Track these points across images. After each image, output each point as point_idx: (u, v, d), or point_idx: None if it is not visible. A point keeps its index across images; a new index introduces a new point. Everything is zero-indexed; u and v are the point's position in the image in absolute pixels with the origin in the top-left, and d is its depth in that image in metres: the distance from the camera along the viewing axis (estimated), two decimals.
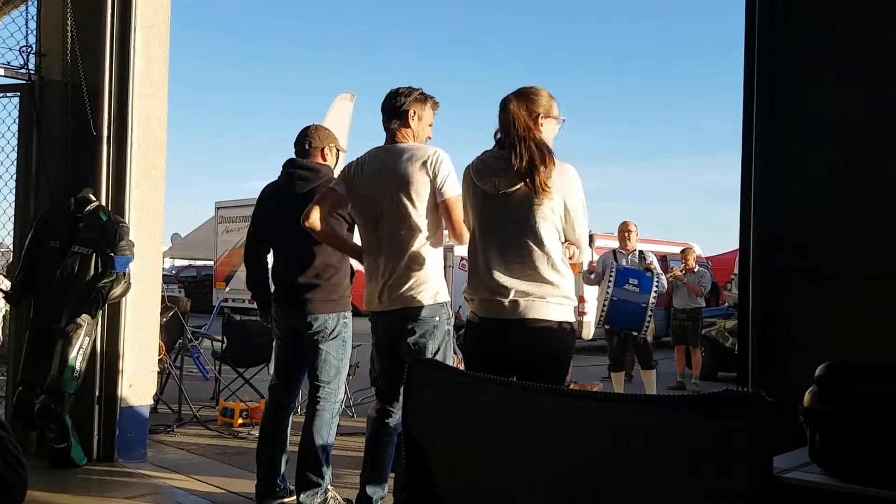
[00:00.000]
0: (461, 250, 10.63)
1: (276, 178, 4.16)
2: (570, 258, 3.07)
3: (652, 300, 7.26)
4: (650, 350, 8.04)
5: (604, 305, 7.48)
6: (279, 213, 4.04)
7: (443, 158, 3.36)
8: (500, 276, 2.96)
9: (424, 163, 3.34)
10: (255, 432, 5.83)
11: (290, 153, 4.15)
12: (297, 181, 3.98)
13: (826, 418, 1.51)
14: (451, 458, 1.30)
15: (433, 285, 3.38)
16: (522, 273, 2.94)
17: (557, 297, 2.95)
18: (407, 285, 3.35)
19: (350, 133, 6.68)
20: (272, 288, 4.14)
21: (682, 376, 10.26)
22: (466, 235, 3.28)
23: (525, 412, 1.23)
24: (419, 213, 3.35)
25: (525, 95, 3.06)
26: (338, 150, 4.21)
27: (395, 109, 3.46)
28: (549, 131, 3.08)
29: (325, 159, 4.10)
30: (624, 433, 1.07)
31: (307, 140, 4.10)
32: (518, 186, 2.94)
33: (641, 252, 8.09)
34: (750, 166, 2.47)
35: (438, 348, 3.38)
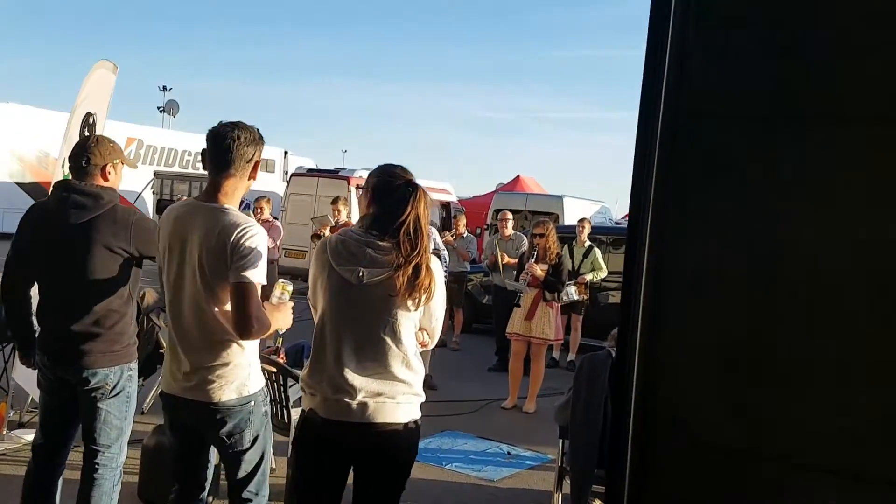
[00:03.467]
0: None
1: (45, 200, 3.47)
2: (422, 345, 2.92)
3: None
4: None
5: None
6: (49, 245, 3.37)
7: (251, 235, 2.83)
8: (349, 374, 2.70)
9: (230, 235, 2.82)
10: None
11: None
12: (73, 209, 3.31)
13: None
14: None
15: (241, 372, 2.95)
16: (374, 371, 2.73)
17: (408, 395, 2.79)
18: (208, 374, 2.90)
19: (110, 111, 5.68)
20: (37, 328, 3.50)
21: (444, 335, 10.61)
22: (258, 331, 2.83)
23: None
24: (226, 290, 2.86)
25: (425, 192, 2.81)
26: (124, 166, 3.59)
27: (241, 160, 2.93)
28: None
29: (107, 179, 3.45)
30: None
31: (85, 156, 3.42)
32: (384, 278, 2.69)
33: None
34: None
35: (258, 435, 3.02)
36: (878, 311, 1.38)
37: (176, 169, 18.84)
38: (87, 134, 5.19)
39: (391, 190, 2.79)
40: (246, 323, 2.80)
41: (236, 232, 2.82)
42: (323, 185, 14.78)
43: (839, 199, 1.42)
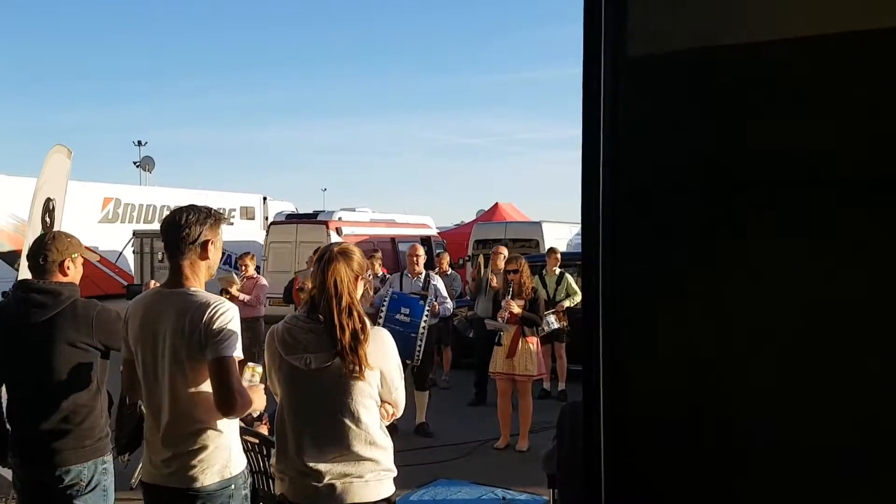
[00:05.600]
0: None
1: (4, 300, 3.44)
2: (391, 417, 2.94)
3: (423, 328, 7.33)
4: (425, 372, 8.13)
5: None
6: (11, 346, 3.34)
7: (222, 313, 2.83)
8: (311, 461, 2.72)
9: (202, 315, 2.82)
10: None
11: None
12: (34, 308, 3.30)
13: None
14: None
15: (222, 455, 2.92)
16: (338, 454, 2.73)
17: (376, 472, 2.78)
18: (189, 459, 2.87)
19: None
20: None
21: (434, 374, 10.56)
22: (241, 406, 2.84)
23: None
24: (203, 372, 2.85)
25: (347, 254, 2.81)
26: (83, 259, 3.57)
27: (184, 242, 2.92)
28: (359, 294, 2.86)
29: (66, 274, 3.44)
30: None
31: (42, 253, 3.41)
32: (332, 362, 2.71)
33: (428, 275, 8.19)
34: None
35: None
36: None
37: (155, 226, 18.74)
38: (47, 220, 5.19)
39: (318, 264, 2.84)
40: (229, 398, 2.79)
41: (207, 312, 2.82)
42: (302, 231, 14.79)
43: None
